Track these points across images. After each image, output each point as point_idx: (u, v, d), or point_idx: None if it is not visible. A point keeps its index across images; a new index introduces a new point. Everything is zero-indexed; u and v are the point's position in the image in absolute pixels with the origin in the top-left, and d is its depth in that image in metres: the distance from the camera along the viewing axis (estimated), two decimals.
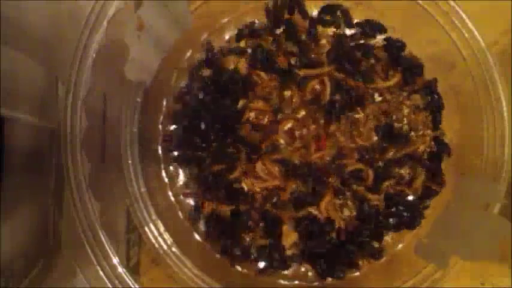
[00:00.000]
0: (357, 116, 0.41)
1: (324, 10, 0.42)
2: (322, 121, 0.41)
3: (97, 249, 0.34)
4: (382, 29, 0.42)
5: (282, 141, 0.41)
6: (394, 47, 0.42)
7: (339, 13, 0.42)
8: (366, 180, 0.41)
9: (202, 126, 0.41)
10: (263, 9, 0.42)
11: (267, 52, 0.41)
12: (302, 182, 0.41)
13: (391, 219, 0.41)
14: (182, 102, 0.42)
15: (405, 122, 0.42)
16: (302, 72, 0.41)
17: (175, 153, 0.43)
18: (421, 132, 0.42)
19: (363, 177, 0.41)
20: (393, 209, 0.41)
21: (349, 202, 0.42)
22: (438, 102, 0.42)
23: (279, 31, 0.42)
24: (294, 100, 0.42)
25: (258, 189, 0.41)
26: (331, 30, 0.42)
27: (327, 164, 0.41)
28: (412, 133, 0.42)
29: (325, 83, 0.40)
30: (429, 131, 0.42)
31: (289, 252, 0.41)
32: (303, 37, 0.42)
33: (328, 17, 0.42)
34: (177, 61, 0.43)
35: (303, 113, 0.42)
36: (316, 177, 0.41)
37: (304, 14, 0.42)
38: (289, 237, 0.41)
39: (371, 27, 0.42)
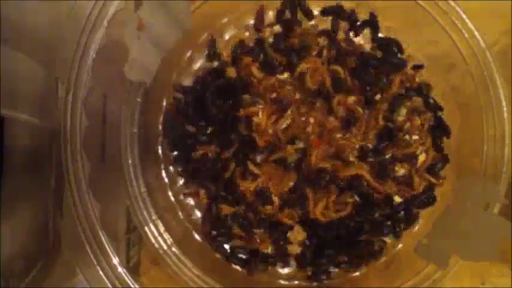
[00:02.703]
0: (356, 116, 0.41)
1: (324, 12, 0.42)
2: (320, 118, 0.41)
3: (97, 249, 0.35)
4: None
5: (280, 140, 0.41)
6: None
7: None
8: (365, 180, 0.41)
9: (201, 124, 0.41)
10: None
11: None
12: (299, 183, 0.41)
13: (388, 222, 0.41)
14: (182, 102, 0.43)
15: (404, 123, 0.42)
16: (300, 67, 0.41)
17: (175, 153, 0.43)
18: (417, 137, 0.42)
19: (362, 177, 0.41)
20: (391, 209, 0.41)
21: (347, 202, 0.41)
22: (437, 107, 0.42)
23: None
24: (292, 99, 0.42)
25: (253, 189, 0.41)
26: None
27: (325, 162, 0.41)
28: (408, 136, 0.42)
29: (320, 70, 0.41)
30: (428, 133, 0.42)
31: (296, 250, 0.41)
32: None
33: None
34: (177, 61, 0.43)
35: (301, 111, 0.41)
36: (313, 179, 0.40)
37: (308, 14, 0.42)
38: (297, 236, 0.41)
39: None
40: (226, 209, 0.41)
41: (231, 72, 0.41)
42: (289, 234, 0.41)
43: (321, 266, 0.41)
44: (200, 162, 0.41)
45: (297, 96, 0.41)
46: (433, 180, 0.41)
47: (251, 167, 0.40)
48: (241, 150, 0.41)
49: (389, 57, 0.42)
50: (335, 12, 0.42)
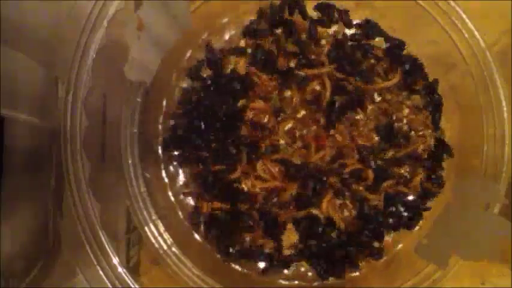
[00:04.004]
0: (357, 116, 0.41)
1: (318, 8, 0.42)
2: (322, 121, 0.41)
3: (97, 249, 0.35)
4: (380, 31, 0.42)
5: (282, 141, 0.41)
6: (395, 47, 0.42)
7: (335, 12, 0.42)
8: (366, 180, 0.41)
9: (202, 126, 0.41)
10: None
11: (267, 52, 0.41)
12: (302, 182, 0.41)
13: (390, 220, 0.41)
14: (183, 102, 0.42)
15: (405, 122, 0.42)
16: (302, 73, 0.41)
17: (176, 152, 0.42)
18: (421, 133, 0.42)
19: (363, 177, 0.41)
20: (392, 209, 0.41)
21: (348, 202, 0.41)
22: (438, 103, 0.42)
23: (279, 31, 0.42)
24: (294, 100, 0.42)
25: (258, 190, 0.41)
26: (331, 30, 0.42)
27: (327, 163, 0.41)
28: (412, 133, 0.42)
29: (325, 83, 0.40)
30: (429, 131, 0.42)
31: (287, 252, 0.41)
32: (303, 37, 0.42)
33: (324, 16, 0.42)
34: (177, 61, 0.43)
35: (303, 112, 0.42)
36: (317, 177, 0.40)
37: (304, 14, 0.42)
38: (290, 238, 0.41)
39: (371, 28, 0.42)
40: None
41: (241, 69, 0.41)
42: (284, 240, 0.41)
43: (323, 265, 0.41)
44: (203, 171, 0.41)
45: (298, 98, 0.42)
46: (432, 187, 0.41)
47: (261, 172, 0.40)
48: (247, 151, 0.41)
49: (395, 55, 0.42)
50: (329, 9, 0.42)
